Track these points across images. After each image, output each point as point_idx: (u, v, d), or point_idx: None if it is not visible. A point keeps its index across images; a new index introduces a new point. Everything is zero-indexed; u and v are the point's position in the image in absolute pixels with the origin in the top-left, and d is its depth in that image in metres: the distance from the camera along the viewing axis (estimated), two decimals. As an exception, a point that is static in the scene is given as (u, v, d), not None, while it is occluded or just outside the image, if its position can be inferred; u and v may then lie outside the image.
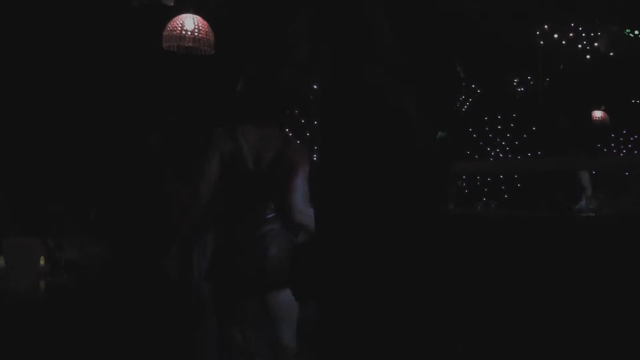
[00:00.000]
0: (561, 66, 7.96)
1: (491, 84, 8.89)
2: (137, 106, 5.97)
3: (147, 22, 5.41)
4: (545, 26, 6.81)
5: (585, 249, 4.03)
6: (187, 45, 5.07)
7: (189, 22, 5.06)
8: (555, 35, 6.98)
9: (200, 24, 5.13)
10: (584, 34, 7.01)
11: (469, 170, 7.93)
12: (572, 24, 6.86)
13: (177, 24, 5.03)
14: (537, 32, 6.98)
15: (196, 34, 5.08)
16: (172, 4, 5.48)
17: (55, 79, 5.75)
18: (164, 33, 5.02)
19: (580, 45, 7.19)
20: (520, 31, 6.84)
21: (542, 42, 7.11)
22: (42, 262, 4.70)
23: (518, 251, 4.30)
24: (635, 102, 8.80)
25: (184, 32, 5.01)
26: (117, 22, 5.72)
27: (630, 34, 6.93)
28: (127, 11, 5.62)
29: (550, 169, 6.49)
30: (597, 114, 8.86)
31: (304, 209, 2.84)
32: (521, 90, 9.03)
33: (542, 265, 4.14)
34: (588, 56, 7.27)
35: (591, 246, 4.05)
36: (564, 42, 7.10)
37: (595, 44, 7.14)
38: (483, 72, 8.50)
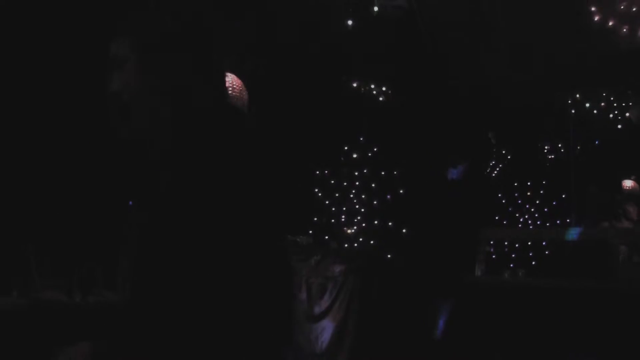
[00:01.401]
0: (592, 135, 7.96)
1: (522, 150, 8.88)
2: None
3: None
4: (578, 95, 6.83)
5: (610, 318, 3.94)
6: (220, 103, 5.14)
7: (224, 80, 5.14)
8: (587, 105, 6.99)
9: (234, 82, 5.20)
10: (615, 104, 7.01)
11: (497, 237, 7.85)
12: (604, 94, 6.87)
13: (212, 82, 5.12)
14: (569, 101, 6.99)
15: (230, 92, 5.14)
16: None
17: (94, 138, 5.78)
18: (198, 90, 5.11)
19: (611, 115, 7.18)
20: (553, 100, 6.87)
21: (573, 111, 7.12)
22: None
23: (543, 319, 4.21)
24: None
25: (217, 90, 5.09)
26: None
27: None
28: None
29: (580, 238, 6.39)
30: (628, 183, 8.76)
31: None
32: (552, 157, 8.99)
33: (572, 335, 4.04)
34: (619, 126, 7.25)
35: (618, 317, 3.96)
36: (595, 112, 7.10)
37: (627, 114, 7.13)
38: (514, 138, 8.51)
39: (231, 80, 5.28)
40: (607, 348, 3.91)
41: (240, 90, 5.36)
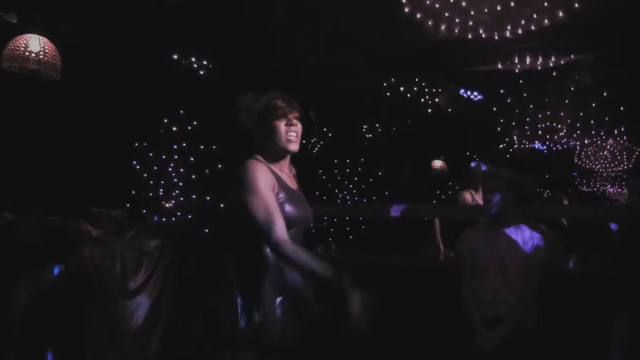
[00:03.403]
0: (405, 117, 8.46)
1: (342, 129, 9.20)
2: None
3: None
4: (392, 80, 7.20)
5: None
6: (30, 67, 4.77)
7: (34, 43, 4.76)
8: (401, 89, 7.40)
9: (46, 47, 4.86)
10: (426, 90, 7.49)
11: (316, 213, 8.13)
12: (417, 80, 7.30)
13: (21, 44, 4.73)
14: (385, 85, 7.35)
15: (41, 56, 4.80)
16: (15, 20, 5.15)
17: None
18: (5, 52, 4.68)
19: (422, 100, 7.68)
20: (370, 83, 7.19)
21: (388, 94, 7.50)
22: None
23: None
24: (470, 154, 9.49)
25: (27, 54, 4.71)
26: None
27: (465, 94, 7.56)
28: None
29: (398, 215, 6.81)
30: (437, 163, 9.46)
31: None
32: (369, 137, 9.42)
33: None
34: (429, 110, 7.77)
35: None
36: (408, 96, 7.54)
37: (436, 100, 7.67)
38: (335, 118, 8.80)
39: (43, 44, 4.95)
40: (408, 316, 4.24)
41: (53, 55, 5.04)
